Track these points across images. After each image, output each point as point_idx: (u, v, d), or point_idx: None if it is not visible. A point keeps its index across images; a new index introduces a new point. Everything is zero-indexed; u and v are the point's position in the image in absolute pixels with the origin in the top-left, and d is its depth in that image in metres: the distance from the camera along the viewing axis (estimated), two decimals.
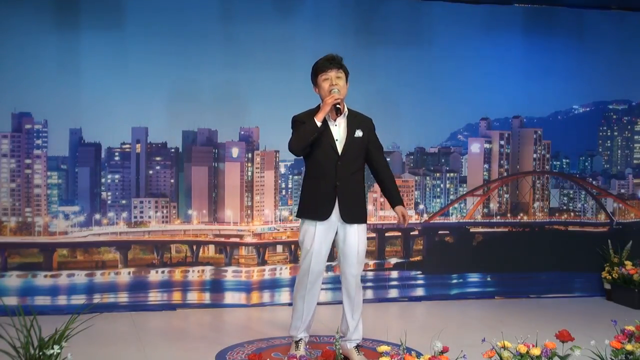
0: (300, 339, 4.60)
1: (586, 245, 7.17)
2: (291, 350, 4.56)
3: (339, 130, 4.41)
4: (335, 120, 4.41)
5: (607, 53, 7.18)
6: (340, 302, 4.63)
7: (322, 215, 4.38)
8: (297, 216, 4.57)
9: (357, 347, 4.56)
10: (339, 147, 4.38)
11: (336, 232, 4.46)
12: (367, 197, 6.81)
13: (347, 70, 4.44)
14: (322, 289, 4.59)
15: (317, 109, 4.39)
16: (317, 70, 4.40)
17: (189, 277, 6.42)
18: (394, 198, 4.53)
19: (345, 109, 4.44)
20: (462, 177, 7.16)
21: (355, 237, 4.42)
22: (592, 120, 7.47)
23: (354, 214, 4.43)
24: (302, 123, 4.38)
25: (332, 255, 4.99)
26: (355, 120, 4.45)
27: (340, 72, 4.38)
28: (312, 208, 4.43)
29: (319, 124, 4.29)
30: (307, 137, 4.32)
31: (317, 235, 4.40)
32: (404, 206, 4.55)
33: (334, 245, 4.53)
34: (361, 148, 4.44)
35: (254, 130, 6.57)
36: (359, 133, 4.42)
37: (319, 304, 4.66)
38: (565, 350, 3.73)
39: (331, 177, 4.36)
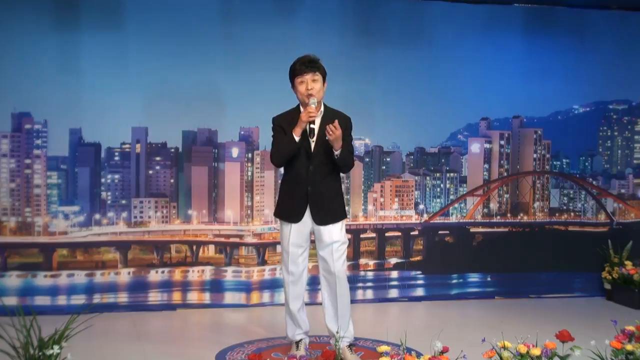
0: (300, 340, 4.59)
1: (586, 245, 7.16)
2: (291, 351, 4.56)
3: (315, 132, 4.39)
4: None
5: (607, 53, 7.17)
6: None
7: (294, 218, 4.44)
8: (274, 215, 4.63)
9: (350, 346, 4.54)
10: (311, 151, 4.38)
11: (312, 232, 4.50)
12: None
13: (324, 71, 4.41)
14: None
15: (297, 111, 4.40)
16: (294, 72, 4.38)
17: (189, 277, 6.42)
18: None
19: (322, 109, 4.43)
20: (462, 177, 7.16)
21: (328, 236, 4.42)
22: (592, 120, 7.47)
23: (327, 215, 4.44)
24: (281, 129, 4.41)
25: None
26: (331, 121, 4.37)
27: (316, 74, 4.35)
28: (285, 210, 4.49)
29: (297, 138, 4.32)
30: (287, 152, 4.39)
31: (292, 237, 4.45)
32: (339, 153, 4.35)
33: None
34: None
35: (254, 130, 6.57)
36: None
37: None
38: (565, 351, 3.72)
39: (303, 181, 4.40)
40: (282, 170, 6.70)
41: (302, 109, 4.40)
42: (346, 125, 4.46)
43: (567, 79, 7.16)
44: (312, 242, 4.57)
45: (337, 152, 4.33)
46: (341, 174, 4.64)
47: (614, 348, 3.82)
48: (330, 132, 4.21)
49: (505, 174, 7.21)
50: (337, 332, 4.29)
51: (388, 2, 6.75)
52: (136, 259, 6.33)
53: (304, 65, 4.35)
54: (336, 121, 4.24)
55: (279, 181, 6.60)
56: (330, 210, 4.46)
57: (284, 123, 4.42)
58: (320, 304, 4.59)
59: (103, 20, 6.11)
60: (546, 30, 7.10)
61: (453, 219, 7.07)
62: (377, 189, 6.88)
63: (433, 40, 6.86)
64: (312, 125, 4.32)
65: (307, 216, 4.43)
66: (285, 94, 6.31)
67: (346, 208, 4.70)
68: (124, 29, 6.16)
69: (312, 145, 4.39)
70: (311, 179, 4.39)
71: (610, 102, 7.48)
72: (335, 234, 4.44)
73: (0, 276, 6.00)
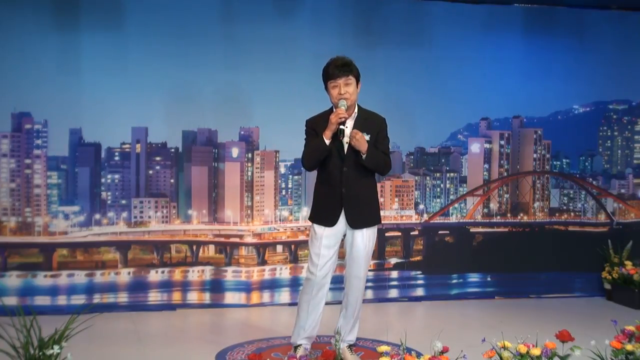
0: (300, 345, 4.49)
1: (586, 245, 7.17)
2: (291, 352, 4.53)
3: (347, 133, 4.33)
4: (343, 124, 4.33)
5: (607, 53, 7.18)
6: (340, 302, 4.61)
7: (329, 221, 4.37)
8: (308, 219, 4.56)
9: (350, 346, 4.52)
10: (344, 152, 4.33)
11: (344, 235, 4.44)
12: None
13: (357, 73, 4.37)
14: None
15: (330, 113, 4.34)
16: (327, 76, 4.33)
17: (189, 277, 6.42)
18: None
19: (355, 111, 4.39)
20: (462, 177, 7.16)
21: (362, 241, 4.39)
22: (592, 120, 7.47)
23: (362, 219, 4.39)
24: (312, 131, 4.36)
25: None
26: (364, 123, 4.36)
27: (349, 78, 4.31)
28: (320, 214, 4.42)
29: (327, 142, 4.27)
30: (317, 155, 4.33)
31: (325, 241, 4.37)
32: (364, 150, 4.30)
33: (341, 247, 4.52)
34: None
35: (254, 130, 6.57)
36: (365, 137, 4.33)
37: None
38: (565, 350, 3.73)
39: (337, 183, 4.34)
40: (283, 170, 6.78)
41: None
42: (380, 126, 4.43)
43: (567, 79, 7.16)
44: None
45: (364, 156, 4.29)
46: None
47: (614, 348, 3.82)
48: (352, 138, 4.22)
49: (505, 174, 7.21)
50: (337, 332, 4.29)
51: (388, 3, 6.76)
52: (136, 259, 6.33)
53: (337, 68, 4.29)
54: (354, 130, 4.25)
55: (279, 181, 6.67)
56: (365, 213, 4.41)
57: (316, 126, 4.36)
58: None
59: (103, 20, 6.11)
60: (546, 30, 7.10)
61: (453, 219, 7.07)
62: (377, 189, 6.87)
63: (433, 41, 6.86)
64: (342, 127, 4.25)
65: (342, 219, 4.37)
66: (286, 93, 6.36)
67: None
68: (124, 29, 6.17)
69: (345, 146, 4.33)
70: (345, 180, 4.33)
71: (610, 102, 7.49)
72: (368, 239, 4.41)
73: (0, 276, 6.00)
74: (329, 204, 4.37)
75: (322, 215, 4.40)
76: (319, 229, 4.40)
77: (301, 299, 4.51)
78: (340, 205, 4.35)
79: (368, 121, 4.40)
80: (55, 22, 6.05)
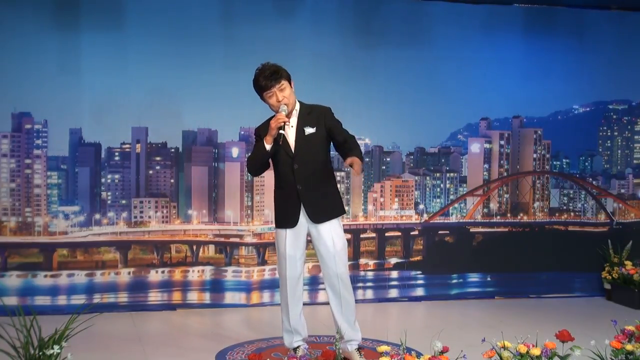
0: (298, 347, 4.51)
1: (586, 245, 7.17)
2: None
3: (291, 131, 4.37)
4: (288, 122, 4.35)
5: (607, 53, 7.18)
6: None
7: (290, 223, 4.39)
8: (274, 224, 4.59)
9: (359, 349, 4.52)
10: (292, 151, 4.35)
11: (309, 233, 4.44)
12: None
13: (287, 75, 4.36)
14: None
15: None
16: (260, 89, 4.34)
17: (189, 277, 6.42)
18: (352, 152, 4.22)
19: (297, 108, 4.39)
20: (462, 177, 7.16)
21: (329, 234, 4.38)
22: (592, 120, 7.47)
23: (322, 212, 4.38)
24: (260, 138, 4.38)
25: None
26: (307, 117, 4.38)
27: (281, 83, 4.31)
28: (281, 217, 4.45)
29: (268, 147, 4.29)
30: (259, 160, 4.37)
31: (288, 240, 4.40)
32: (360, 159, 4.20)
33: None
34: (317, 143, 4.36)
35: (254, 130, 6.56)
36: (309, 130, 4.35)
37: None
38: (565, 350, 3.73)
39: (291, 182, 4.36)
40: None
41: None
42: (325, 115, 4.42)
43: (567, 79, 7.16)
44: (309, 241, 4.53)
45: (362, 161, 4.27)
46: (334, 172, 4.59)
47: (614, 348, 3.82)
48: (355, 167, 4.17)
49: (505, 174, 7.21)
50: (337, 332, 4.28)
51: (388, 2, 6.76)
52: (136, 259, 6.33)
53: (267, 79, 4.30)
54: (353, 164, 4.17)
55: None
56: (325, 206, 4.40)
57: (262, 132, 4.39)
58: (320, 304, 4.58)
59: (103, 20, 6.11)
60: (546, 30, 7.10)
61: (453, 219, 7.07)
62: (377, 189, 6.89)
63: (433, 41, 6.86)
64: (281, 132, 4.27)
65: (303, 218, 4.38)
66: None
67: (345, 206, 4.63)
68: (124, 29, 6.17)
69: (292, 144, 4.35)
70: (298, 177, 4.34)
71: (610, 102, 7.49)
72: (335, 233, 4.40)
73: (0, 276, 6.00)
74: (288, 204, 4.39)
75: (283, 218, 4.43)
76: (281, 231, 4.43)
77: (282, 302, 4.56)
78: (299, 202, 4.36)
79: (311, 114, 4.41)
80: (55, 22, 6.05)
